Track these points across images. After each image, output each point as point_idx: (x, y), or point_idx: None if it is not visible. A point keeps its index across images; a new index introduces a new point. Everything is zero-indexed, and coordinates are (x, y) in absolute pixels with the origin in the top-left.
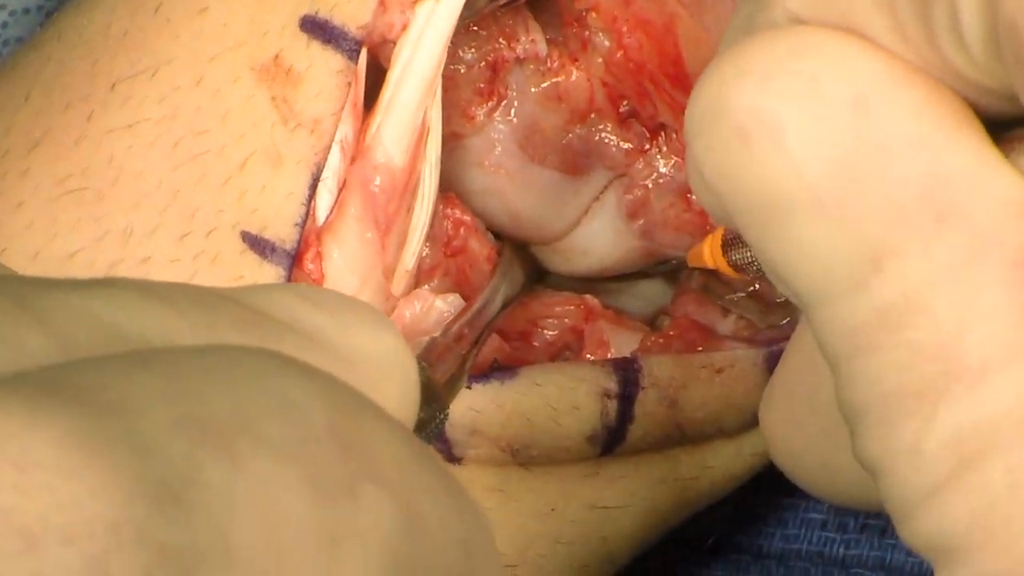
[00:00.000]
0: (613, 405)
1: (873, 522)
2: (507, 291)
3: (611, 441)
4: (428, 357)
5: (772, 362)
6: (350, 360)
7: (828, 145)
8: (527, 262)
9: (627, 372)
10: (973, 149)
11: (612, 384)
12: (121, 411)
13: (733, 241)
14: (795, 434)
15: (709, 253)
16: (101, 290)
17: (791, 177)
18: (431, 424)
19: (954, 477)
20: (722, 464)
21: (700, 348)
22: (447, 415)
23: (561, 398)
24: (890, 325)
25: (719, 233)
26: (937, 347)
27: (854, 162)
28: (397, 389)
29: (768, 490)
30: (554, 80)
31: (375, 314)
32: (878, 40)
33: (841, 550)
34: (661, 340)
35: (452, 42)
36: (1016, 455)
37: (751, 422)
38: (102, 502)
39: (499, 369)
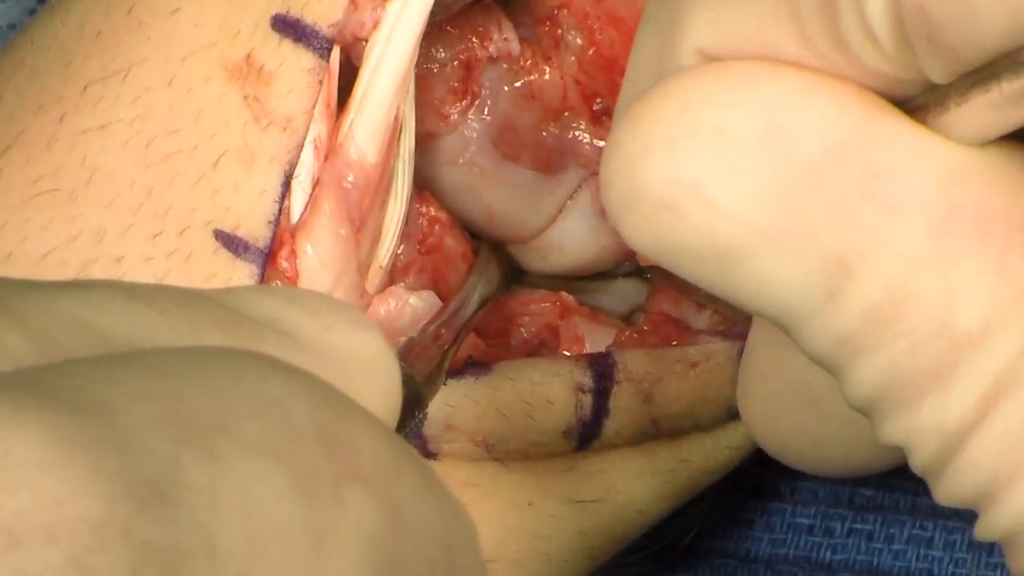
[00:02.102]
0: (587, 399)
1: (860, 527)
2: (483, 290)
3: (586, 435)
4: (406, 357)
5: None
6: (332, 359)
7: (756, 184)
8: (503, 261)
9: (601, 367)
10: (897, 134)
11: (586, 379)
12: (104, 410)
13: None
14: (774, 413)
15: None
16: (81, 291)
17: (732, 226)
18: (410, 423)
19: (976, 429)
20: (699, 458)
21: (675, 342)
22: (426, 414)
23: (535, 393)
24: (884, 321)
25: None
26: (936, 326)
27: (788, 189)
28: (379, 388)
29: (755, 494)
30: (527, 78)
31: (356, 314)
32: (786, 55)
33: (828, 555)
34: (636, 335)
35: (425, 41)
36: None
37: (727, 416)
38: (86, 501)
39: (473, 365)
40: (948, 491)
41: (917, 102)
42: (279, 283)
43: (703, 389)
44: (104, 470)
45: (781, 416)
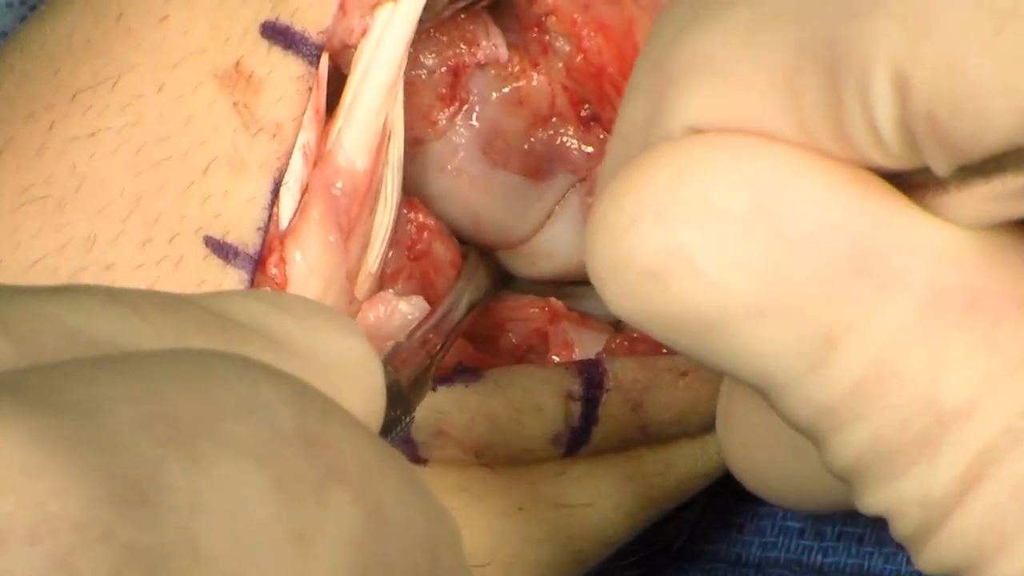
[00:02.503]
0: (577, 407)
1: (851, 530)
2: (472, 295)
3: (575, 442)
4: (393, 361)
5: None
6: (316, 364)
7: (746, 257)
8: (492, 266)
9: (591, 375)
10: (890, 212)
11: (576, 386)
12: (87, 411)
13: None
14: (755, 454)
15: None
16: (66, 296)
17: (719, 297)
18: (397, 427)
19: (961, 503)
20: (687, 463)
21: (665, 351)
22: (412, 418)
23: (525, 400)
24: (869, 394)
25: None
26: (923, 401)
27: (778, 263)
28: (363, 393)
29: (745, 498)
30: (515, 84)
31: (342, 319)
32: (780, 136)
33: (819, 558)
34: (626, 342)
35: (413, 48)
36: (1015, 466)
37: (714, 424)
38: (68, 502)
39: (464, 371)
40: (931, 561)
41: (914, 179)
42: (269, 289)
43: (692, 398)
44: (86, 471)
45: (762, 458)
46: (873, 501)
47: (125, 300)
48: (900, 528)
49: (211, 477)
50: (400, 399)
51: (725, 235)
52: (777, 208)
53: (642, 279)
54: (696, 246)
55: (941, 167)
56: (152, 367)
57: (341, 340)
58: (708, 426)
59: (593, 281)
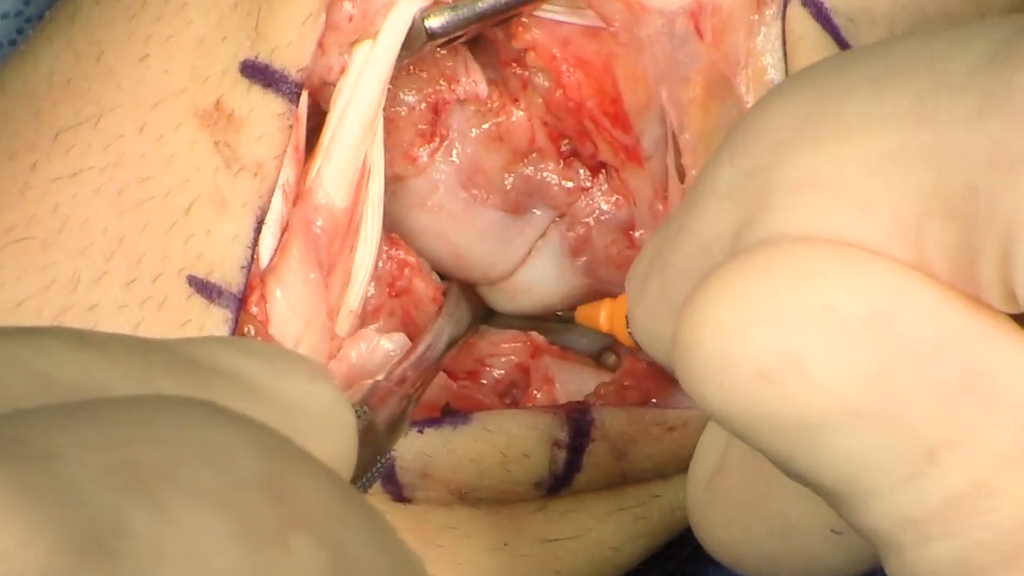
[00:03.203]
0: (562, 455)
1: None
2: (452, 331)
3: (556, 486)
4: (370, 401)
5: None
6: (284, 409)
7: (859, 363)
8: (474, 302)
9: (579, 423)
10: (1001, 336)
11: (563, 435)
12: (48, 460)
13: None
14: (738, 537)
15: (608, 318)
16: (34, 339)
17: (827, 401)
18: (373, 468)
19: None
20: (670, 493)
21: (654, 399)
22: (391, 458)
23: (512, 445)
24: (964, 512)
25: (623, 302)
26: (1016, 521)
27: (890, 372)
28: (333, 437)
29: None
30: (495, 120)
31: (311, 364)
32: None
33: None
34: (614, 389)
35: (393, 84)
36: None
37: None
38: (30, 552)
39: (451, 414)
40: None
41: None
42: (251, 327)
43: (675, 450)
44: (48, 521)
45: (746, 541)
46: None
47: (93, 342)
48: None
49: (173, 525)
50: (375, 440)
51: (840, 341)
52: (894, 316)
53: (751, 379)
54: (810, 350)
55: None
56: (115, 414)
57: (309, 386)
58: (684, 470)
59: (688, 377)
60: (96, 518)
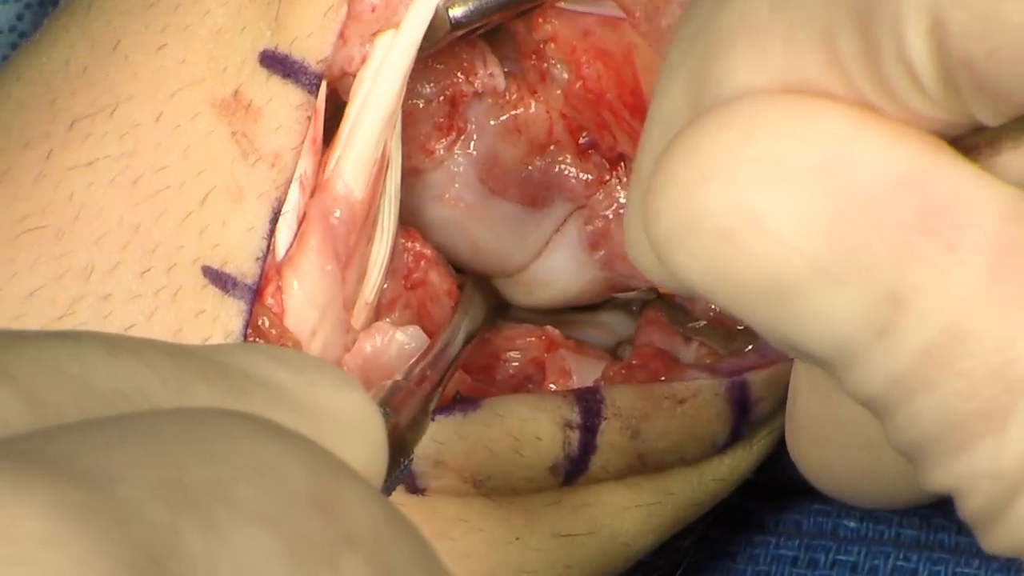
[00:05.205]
0: (575, 435)
1: (844, 558)
2: (469, 327)
3: (573, 471)
4: (391, 402)
5: (734, 392)
6: (316, 417)
7: (815, 215)
8: (489, 295)
9: (589, 403)
10: (956, 171)
11: (574, 415)
12: (103, 479)
13: None
14: (827, 455)
15: None
16: (69, 344)
17: (789, 258)
18: (397, 469)
19: None
20: (684, 490)
21: (663, 377)
22: (412, 459)
23: (523, 429)
24: (938, 361)
25: None
26: (992, 367)
27: (846, 220)
28: (364, 446)
29: (739, 526)
30: (513, 113)
31: (339, 372)
32: (834, 95)
33: None
34: (624, 370)
35: (411, 77)
36: None
37: (712, 451)
38: (89, 574)
39: (462, 401)
40: (1000, 540)
41: (967, 143)
42: (265, 319)
43: (690, 425)
44: (104, 541)
45: (835, 457)
46: (940, 477)
47: (127, 347)
48: (968, 505)
49: (226, 545)
50: (399, 442)
51: (794, 193)
52: (845, 164)
53: (713, 240)
54: (767, 206)
55: (988, 116)
56: (166, 429)
57: (340, 393)
58: (705, 453)
59: (657, 247)
60: (153, 538)
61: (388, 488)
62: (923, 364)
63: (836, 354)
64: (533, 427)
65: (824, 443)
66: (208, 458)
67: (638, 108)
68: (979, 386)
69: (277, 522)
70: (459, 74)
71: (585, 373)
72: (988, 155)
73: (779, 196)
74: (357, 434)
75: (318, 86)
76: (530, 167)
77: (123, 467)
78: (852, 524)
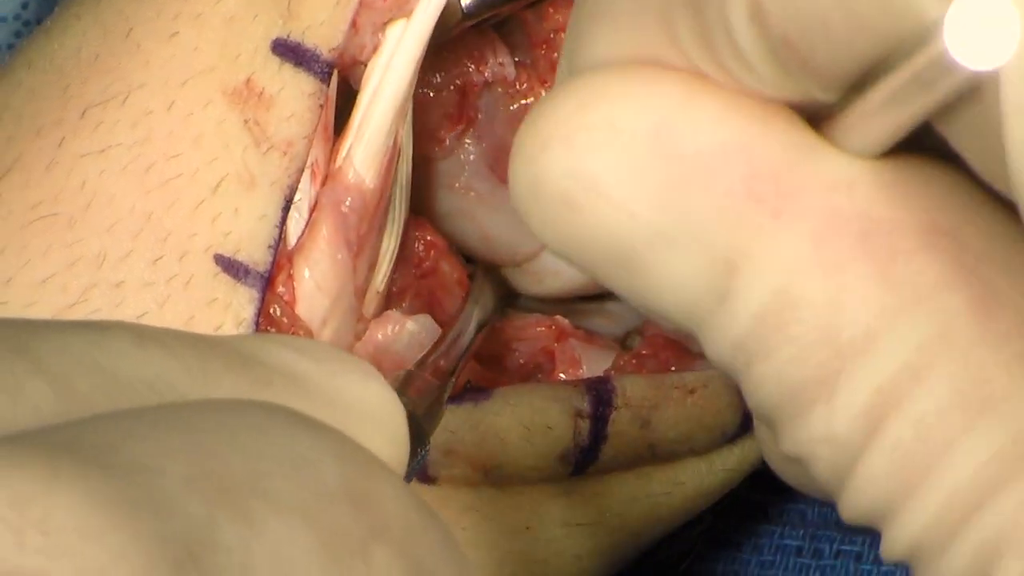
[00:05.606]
0: (586, 425)
1: (848, 548)
2: (480, 317)
3: (584, 461)
4: (406, 391)
5: None
6: (340, 407)
7: (646, 180)
8: (498, 284)
9: (600, 392)
10: (787, 139)
11: (585, 404)
12: (139, 470)
13: None
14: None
15: None
16: (96, 335)
17: (627, 221)
18: (414, 460)
19: (867, 445)
20: (693, 480)
21: (673, 367)
22: (429, 449)
23: (534, 418)
24: (771, 326)
25: None
26: (820, 332)
27: (677, 186)
28: (386, 437)
29: (743, 516)
30: (523, 102)
31: (361, 363)
32: (676, 66)
33: None
34: (634, 360)
35: (421, 66)
36: (916, 405)
37: (722, 441)
38: (126, 566)
39: (473, 390)
40: (849, 509)
41: (813, 111)
42: (277, 307)
43: (700, 415)
44: (142, 534)
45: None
46: (787, 443)
47: (153, 338)
48: (816, 474)
49: (261, 536)
50: (417, 432)
51: (627, 159)
52: (675, 129)
53: (556, 204)
54: (601, 170)
55: (818, 91)
56: (199, 421)
57: (362, 384)
58: (715, 443)
59: (518, 212)
60: (188, 530)
61: (406, 478)
62: (758, 329)
63: (687, 319)
64: (544, 416)
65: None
66: (242, 451)
67: None
68: (810, 351)
69: (310, 515)
70: (469, 63)
71: (594, 363)
72: (828, 124)
73: (612, 160)
74: (379, 425)
75: (330, 74)
76: None
77: (158, 459)
78: None
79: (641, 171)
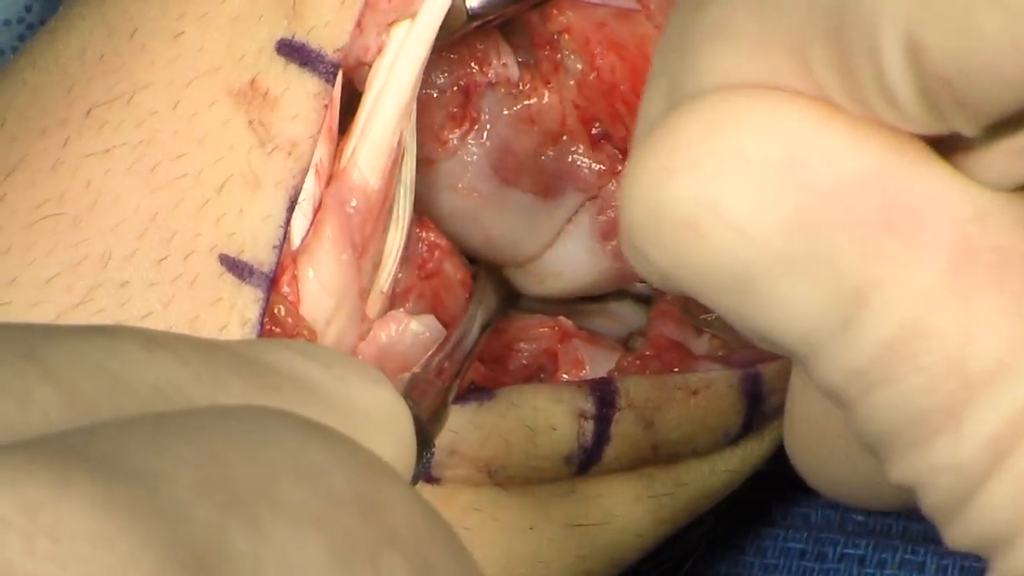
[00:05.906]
0: (589, 426)
1: (852, 552)
2: (483, 317)
3: (587, 461)
4: (411, 394)
5: (747, 384)
6: (347, 412)
7: (777, 209)
8: (500, 285)
9: (604, 393)
10: (920, 167)
11: (589, 405)
12: (149, 477)
13: None
14: (823, 455)
15: None
16: (104, 339)
17: (751, 248)
18: (420, 463)
19: (992, 473)
20: (696, 481)
21: (676, 369)
22: (433, 452)
23: (538, 419)
24: (898, 356)
25: None
26: (950, 363)
27: (809, 214)
28: (393, 441)
29: (747, 519)
30: (526, 103)
31: (367, 368)
32: (803, 92)
33: None
34: (638, 361)
35: (425, 67)
36: None
37: (724, 442)
38: (135, 572)
39: (477, 390)
40: (959, 535)
41: (943, 139)
42: (281, 307)
43: (703, 416)
44: (151, 540)
45: (830, 458)
46: (901, 471)
47: (161, 343)
48: (928, 500)
49: (271, 543)
50: (422, 436)
51: (757, 186)
52: (808, 158)
53: (678, 230)
54: (728, 197)
55: (965, 128)
56: (210, 427)
57: (369, 389)
58: (718, 444)
59: (629, 236)
60: (199, 537)
61: (412, 482)
62: (883, 358)
63: (801, 345)
64: (548, 417)
65: (818, 442)
66: (253, 457)
67: None
68: (937, 381)
69: (321, 522)
70: (473, 64)
71: (597, 364)
72: (963, 153)
73: (741, 188)
74: (386, 430)
75: (335, 75)
76: (543, 157)
77: (169, 465)
78: (860, 517)
79: (772, 200)
